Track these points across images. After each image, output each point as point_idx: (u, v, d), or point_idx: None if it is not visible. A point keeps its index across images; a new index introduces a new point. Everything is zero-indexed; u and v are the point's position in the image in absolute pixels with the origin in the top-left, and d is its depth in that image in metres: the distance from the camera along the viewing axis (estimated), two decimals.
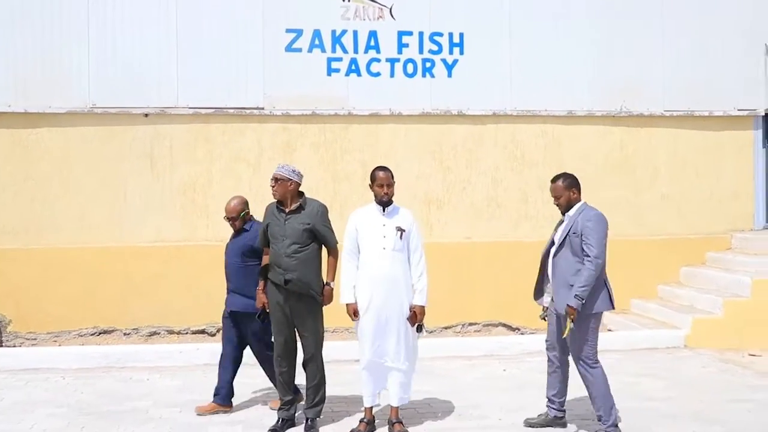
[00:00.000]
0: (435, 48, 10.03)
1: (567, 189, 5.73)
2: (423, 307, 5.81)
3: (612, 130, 10.48)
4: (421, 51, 10.00)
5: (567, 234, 5.62)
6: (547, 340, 5.95)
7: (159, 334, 9.50)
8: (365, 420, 5.86)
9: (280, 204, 5.95)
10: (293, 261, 5.78)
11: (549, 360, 5.94)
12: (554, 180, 5.82)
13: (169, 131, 9.69)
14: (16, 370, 7.80)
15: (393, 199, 5.91)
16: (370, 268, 5.75)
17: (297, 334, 6.00)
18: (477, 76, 10.10)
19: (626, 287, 10.20)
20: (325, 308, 6.03)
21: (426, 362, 7.76)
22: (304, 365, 6.01)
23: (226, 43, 9.70)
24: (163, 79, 9.60)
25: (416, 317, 5.78)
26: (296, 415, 6.05)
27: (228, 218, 6.43)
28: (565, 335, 5.57)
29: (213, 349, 7.91)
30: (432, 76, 10.03)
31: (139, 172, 9.66)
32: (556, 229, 5.88)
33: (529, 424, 5.93)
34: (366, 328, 5.77)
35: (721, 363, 8.11)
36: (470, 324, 9.96)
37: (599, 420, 5.67)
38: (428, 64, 10.03)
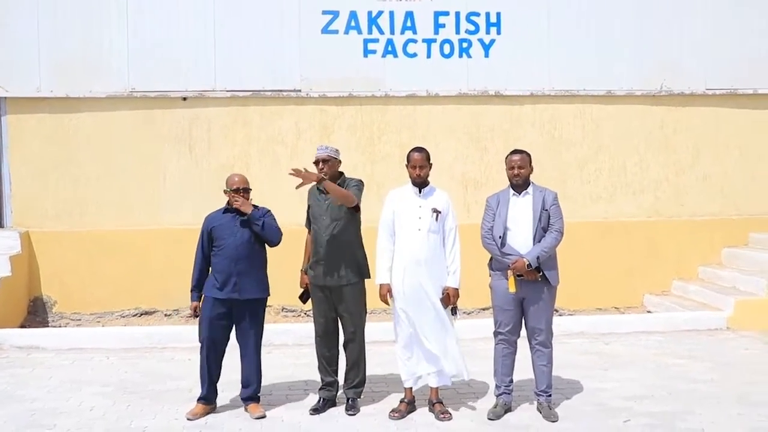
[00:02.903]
0: (472, 28, 9.95)
1: (529, 164, 5.83)
2: (456, 289, 5.78)
3: (652, 109, 10.33)
4: (458, 31, 9.93)
5: (540, 212, 5.71)
6: (507, 325, 5.83)
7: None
8: (405, 400, 5.89)
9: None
10: (333, 241, 5.82)
11: (507, 343, 5.87)
12: (519, 152, 5.85)
13: (207, 114, 9.77)
14: (63, 349, 7.97)
15: (429, 180, 5.91)
16: (404, 249, 5.75)
17: (337, 315, 6.03)
18: (514, 56, 10.01)
19: (667, 268, 10.19)
20: (361, 290, 6.03)
21: (466, 344, 7.74)
22: (345, 345, 6.04)
23: (263, 26, 9.72)
24: (200, 63, 9.67)
25: (450, 299, 5.76)
26: (337, 395, 6.10)
27: (242, 189, 5.85)
28: (514, 290, 5.68)
29: None
30: (469, 56, 9.96)
31: (178, 155, 9.77)
32: (496, 210, 5.81)
33: (496, 416, 5.77)
34: (401, 308, 5.77)
35: (764, 345, 7.98)
36: None
37: (548, 395, 5.84)
38: (465, 45, 9.95)
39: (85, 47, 9.55)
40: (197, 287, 5.99)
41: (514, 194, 5.82)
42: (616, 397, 6.24)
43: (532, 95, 10.08)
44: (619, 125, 10.27)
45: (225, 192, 5.96)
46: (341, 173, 6.01)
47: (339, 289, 5.89)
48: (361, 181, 6.04)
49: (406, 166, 5.93)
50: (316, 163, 5.91)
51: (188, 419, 5.78)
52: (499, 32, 9.97)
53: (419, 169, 5.82)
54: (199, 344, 5.98)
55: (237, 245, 5.82)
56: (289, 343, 8.22)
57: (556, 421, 5.69)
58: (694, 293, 9.70)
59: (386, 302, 5.83)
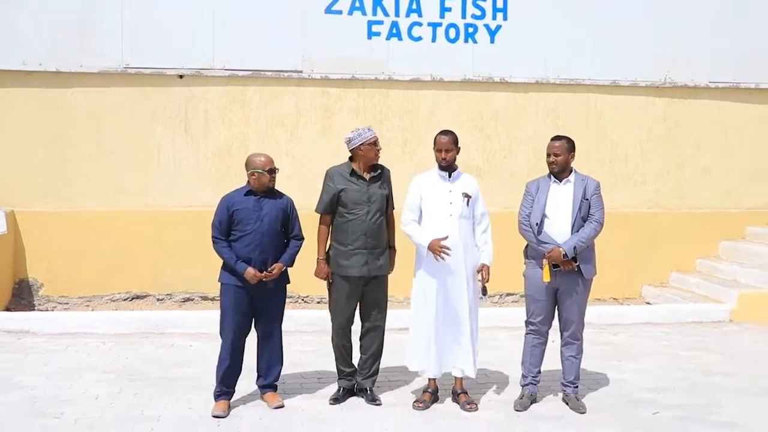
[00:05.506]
0: (478, 13, 9.75)
1: (568, 151, 5.59)
2: (489, 266, 5.62)
3: (655, 101, 10.25)
4: (464, 16, 9.71)
5: (580, 201, 5.52)
6: (539, 315, 5.69)
7: (193, 300, 9.31)
8: (429, 390, 5.70)
9: (353, 169, 5.67)
10: (379, 230, 5.63)
11: (538, 334, 5.74)
12: (558, 138, 5.65)
13: (204, 93, 9.44)
14: (54, 334, 7.61)
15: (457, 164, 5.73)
16: (435, 235, 5.53)
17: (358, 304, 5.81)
18: (520, 43, 9.83)
19: (665, 260, 10.16)
20: None
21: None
22: (364, 335, 5.80)
23: (265, 4, 9.40)
24: (198, 40, 9.32)
25: (483, 276, 5.58)
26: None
27: (268, 171, 5.50)
28: (548, 280, 5.52)
29: None
30: (474, 41, 9.76)
31: (173, 135, 9.42)
32: (535, 196, 5.65)
33: (523, 407, 5.62)
34: (430, 296, 5.57)
35: None
36: (508, 294, 9.82)
37: (575, 387, 5.72)
38: (471, 30, 9.75)
39: (78, 20, 9.12)
40: (238, 259, 5.48)
41: (554, 181, 5.62)
42: (638, 389, 6.14)
43: (537, 83, 9.92)
44: (622, 116, 10.18)
45: (250, 173, 5.55)
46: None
47: (374, 279, 5.67)
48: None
49: (434, 149, 5.70)
50: (374, 143, 5.60)
51: (219, 416, 5.37)
52: (505, 18, 9.78)
53: (445, 152, 5.61)
54: (221, 338, 5.63)
55: (263, 232, 5.48)
56: (291, 329, 7.90)
57: (585, 412, 5.56)
58: (694, 285, 9.67)
59: (445, 250, 5.42)
